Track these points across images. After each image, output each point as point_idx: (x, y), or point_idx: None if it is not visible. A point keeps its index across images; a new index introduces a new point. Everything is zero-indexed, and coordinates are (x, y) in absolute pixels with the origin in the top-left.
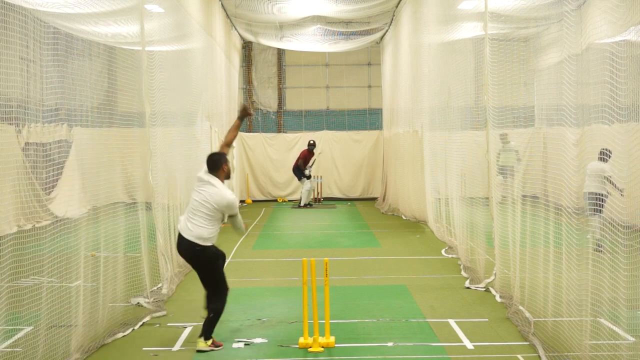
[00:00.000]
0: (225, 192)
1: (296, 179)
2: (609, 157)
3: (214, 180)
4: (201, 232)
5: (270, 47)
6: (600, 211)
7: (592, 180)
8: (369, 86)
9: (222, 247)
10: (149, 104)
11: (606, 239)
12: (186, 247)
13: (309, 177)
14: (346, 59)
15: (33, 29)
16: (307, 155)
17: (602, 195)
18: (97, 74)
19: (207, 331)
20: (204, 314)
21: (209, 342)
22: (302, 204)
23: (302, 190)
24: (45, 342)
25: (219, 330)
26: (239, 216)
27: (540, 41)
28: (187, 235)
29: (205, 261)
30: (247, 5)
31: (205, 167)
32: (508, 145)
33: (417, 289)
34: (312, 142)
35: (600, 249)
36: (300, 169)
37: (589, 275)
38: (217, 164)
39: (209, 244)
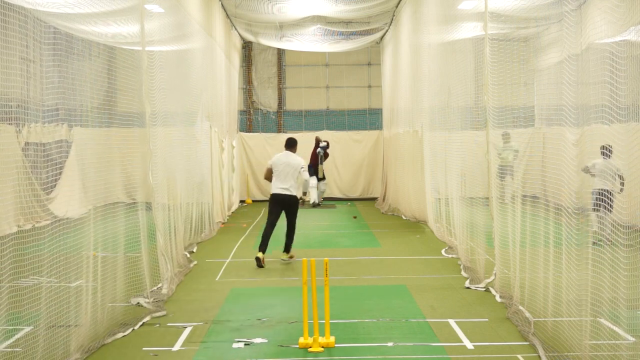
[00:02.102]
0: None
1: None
2: (611, 152)
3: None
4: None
5: (270, 47)
6: (607, 208)
7: (601, 177)
8: (369, 86)
9: (223, 248)
10: (149, 104)
11: (606, 238)
12: (283, 198)
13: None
14: (346, 59)
15: (33, 28)
16: (315, 158)
17: (609, 192)
18: (97, 74)
19: (289, 245)
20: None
21: (288, 255)
22: (311, 203)
23: (308, 190)
24: (45, 342)
25: (219, 330)
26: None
27: (540, 41)
28: (284, 191)
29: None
30: (247, 5)
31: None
32: (508, 145)
33: (417, 289)
34: (323, 145)
35: (599, 243)
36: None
37: (588, 275)
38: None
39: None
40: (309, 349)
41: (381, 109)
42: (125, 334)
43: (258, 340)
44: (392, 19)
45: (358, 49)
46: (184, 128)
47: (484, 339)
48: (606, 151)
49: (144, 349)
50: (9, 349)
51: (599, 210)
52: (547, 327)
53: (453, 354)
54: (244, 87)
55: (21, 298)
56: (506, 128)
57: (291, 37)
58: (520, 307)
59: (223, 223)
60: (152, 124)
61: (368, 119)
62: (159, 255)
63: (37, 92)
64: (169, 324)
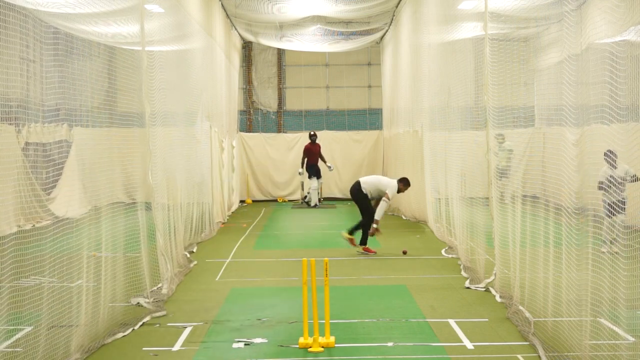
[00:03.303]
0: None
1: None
2: (610, 159)
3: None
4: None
5: (270, 47)
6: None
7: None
8: (369, 86)
9: (223, 248)
10: (149, 104)
11: (604, 239)
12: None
13: (312, 176)
14: (346, 59)
15: (33, 28)
16: (310, 149)
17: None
18: (97, 74)
19: (352, 230)
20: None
21: (348, 235)
22: (312, 204)
23: (309, 191)
24: (46, 342)
25: (219, 330)
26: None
27: (540, 41)
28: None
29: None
30: (247, 5)
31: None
32: (503, 145)
33: (417, 289)
34: (312, 132)
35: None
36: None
37: (588, 275)
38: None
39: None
40: (309, 349)
41: (381, 109)
42: (125, 334)
43: (258, 340)
44: (392, 19)
45: (358, 49)
46: (184, 128)
47: (484, 339)
48: (610, 159)
49: (144, 349)
50: (10, 349)
51: (612, 216)
52: (547, 327)
53: (453, 354)
54: (244, 87)
55: (22, 298)
56: (506, 128)
57: (291, 37)
58: (520, 307)
59: (223, 223)
60: (152, 124)
61: (368, 119)
62: (159, 255)
63: (37, 92)
64: (169, 324)
